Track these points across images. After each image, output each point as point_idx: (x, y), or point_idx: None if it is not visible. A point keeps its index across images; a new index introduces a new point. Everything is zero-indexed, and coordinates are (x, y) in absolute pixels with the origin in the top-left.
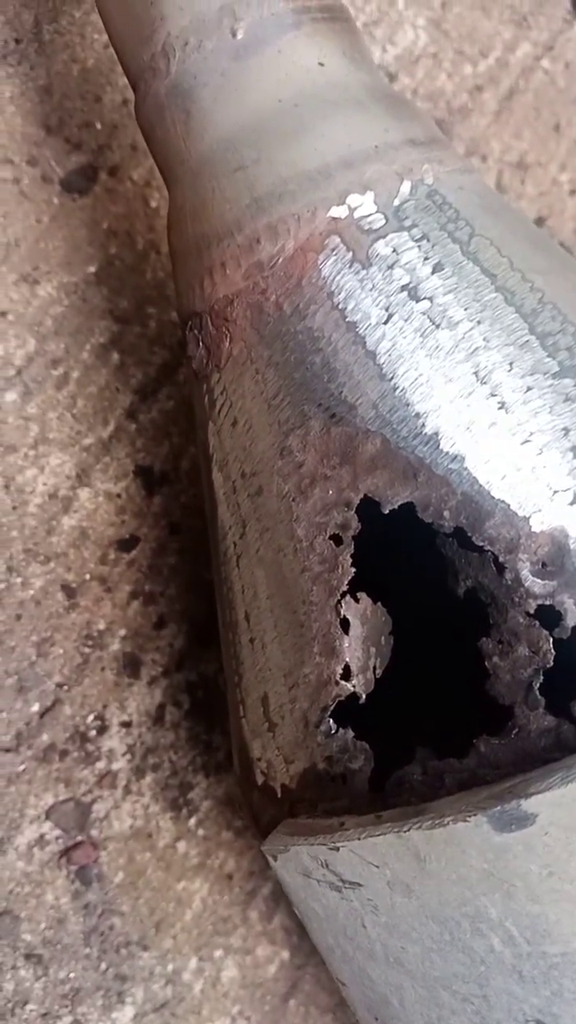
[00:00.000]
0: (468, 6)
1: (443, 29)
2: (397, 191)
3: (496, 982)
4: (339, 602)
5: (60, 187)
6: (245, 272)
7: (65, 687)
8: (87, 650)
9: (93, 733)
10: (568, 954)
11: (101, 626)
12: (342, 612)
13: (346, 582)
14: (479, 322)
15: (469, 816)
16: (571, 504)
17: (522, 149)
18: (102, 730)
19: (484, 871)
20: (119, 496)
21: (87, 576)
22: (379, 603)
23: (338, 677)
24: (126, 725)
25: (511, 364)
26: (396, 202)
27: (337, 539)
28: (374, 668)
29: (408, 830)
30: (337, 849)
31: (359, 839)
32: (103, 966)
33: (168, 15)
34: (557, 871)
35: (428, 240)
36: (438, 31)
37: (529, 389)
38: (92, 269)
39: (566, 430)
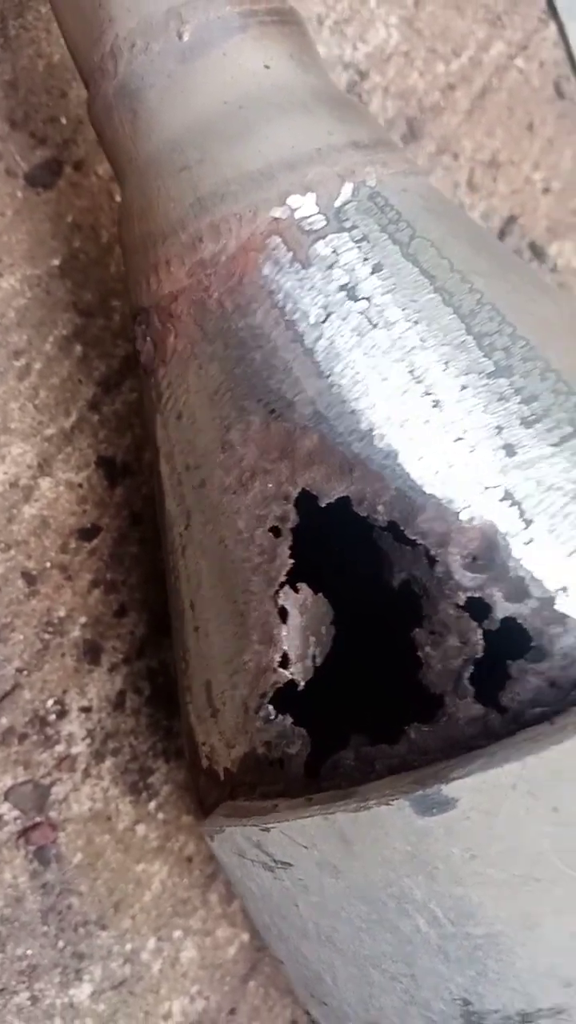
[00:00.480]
0: (442, 5)
1: (416, 28)
2: (338, 193)
3: (423, 961)
4: (277, 592)
5: (24, 181)
6: (189, 270)
7: (25, 672)
8: (47, 636)
9: (53, 717)
10: (491, 935)
11: (62, 613)
12: (280, 602)
13: (284, 573)
14: (416, 322)
15: (392, 800)
16: (501, 500)
17: (494, 147)
18: (62, 714)
19: (408, 853)
20: (80, 486)
21: (48, 564)
22: (320, 594)
23: (276, 665)
24: (86, 710)
25: (447, 363)
26: (337, 203)
27: (276, 531)
28: (313, 657)
29: (334, 813)
30: (268, 830)
31: (288, 821)
32: (61, 944)
33: (116, 17)
34: (479, 854)
35: (368, 241)
36: (410, 29)
37: (464, 388)
38: (56, 262)
39: (499, 428)
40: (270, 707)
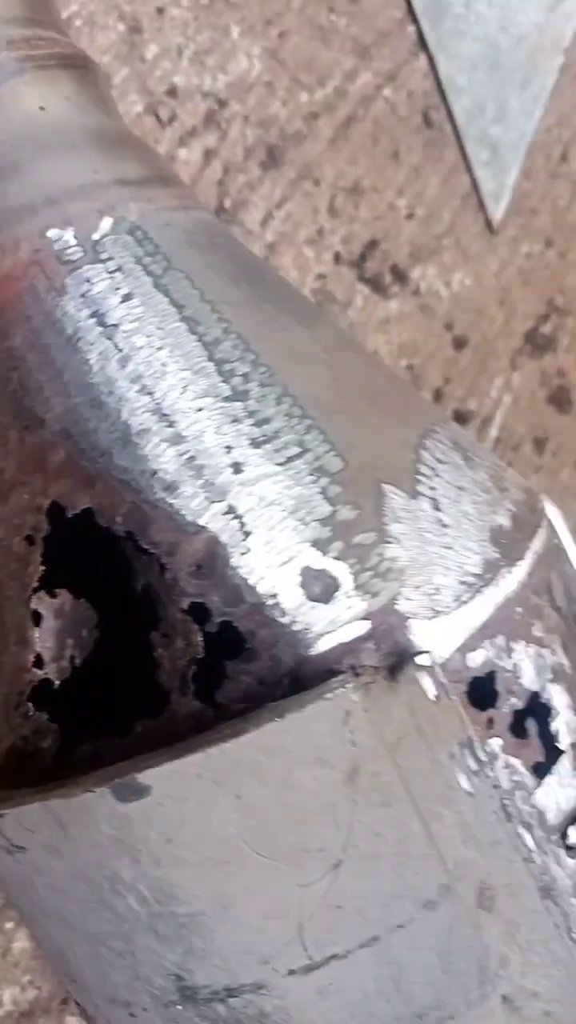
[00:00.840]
0: (307, 36)
1: (279, 58)
2: (97, 226)
3: (139, 939)
4: (30, 597)
5: None
6: None
7: None
8: None
9: None
10: (192, 915)
11: None
12: (34, 606)
13: (36, 579)
14: (160, 348)
15: (95, 787)
16: (225, 514)
17: (357, 175)
18: None
19: (114, 837)
20: None
21: None
22: (82, 600)
23: (30, 665)
24: None
25: (185, 387)
26: (95, 237)
27: (30, 540)
28: (72, 658)
29: (50, 800)
30: (3, 816)
31: (15, 808)
32: None
33: None
34: (173, 838)
35: (121, 272)
36: (274, 60)
37: (199, 410)
38: None
39: (229, 448)
40: (29, 704)
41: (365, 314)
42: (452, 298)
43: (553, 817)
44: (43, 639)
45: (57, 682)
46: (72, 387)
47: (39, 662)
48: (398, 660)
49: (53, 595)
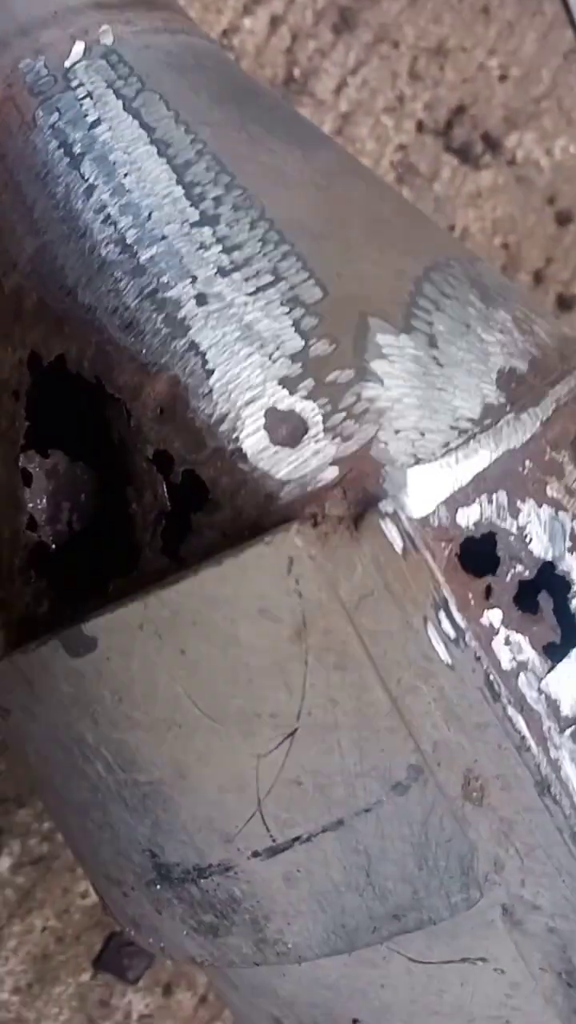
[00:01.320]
0: None
1: None
2: (69, 53)
3: (112, 809)
4: (18, 456)
5: None
6: None
7: None
8: None
9: None
10: (153, 783)
11: None
12: (23, 464)
13: (22, 436)
14: (127, 175)
15: (48, 640)
16: (187, 351)
17: (441, 34)
18: None
19: (72, 695)
20: None
21: None
22: (79, 462)
23: (24, 527)
24: None
25: (150, 214)
26: (67, 64)
27: (16, 395)
28: (69, 521)
29: (14, 656)
30: None
31: None
32: None
33: None
34: (124, 697)
35: (92, 98)
36: None
37: (163, 239)
38: None
39: (193, 278)
40: (30, 570)
41: (453, 187)
42: (554, 168)
43: (570, 708)
44: (34, 499)
45: (53, 546)
46: (41, 224)
47: (32, 524)
48: (363, 509)
49: (45, 455)
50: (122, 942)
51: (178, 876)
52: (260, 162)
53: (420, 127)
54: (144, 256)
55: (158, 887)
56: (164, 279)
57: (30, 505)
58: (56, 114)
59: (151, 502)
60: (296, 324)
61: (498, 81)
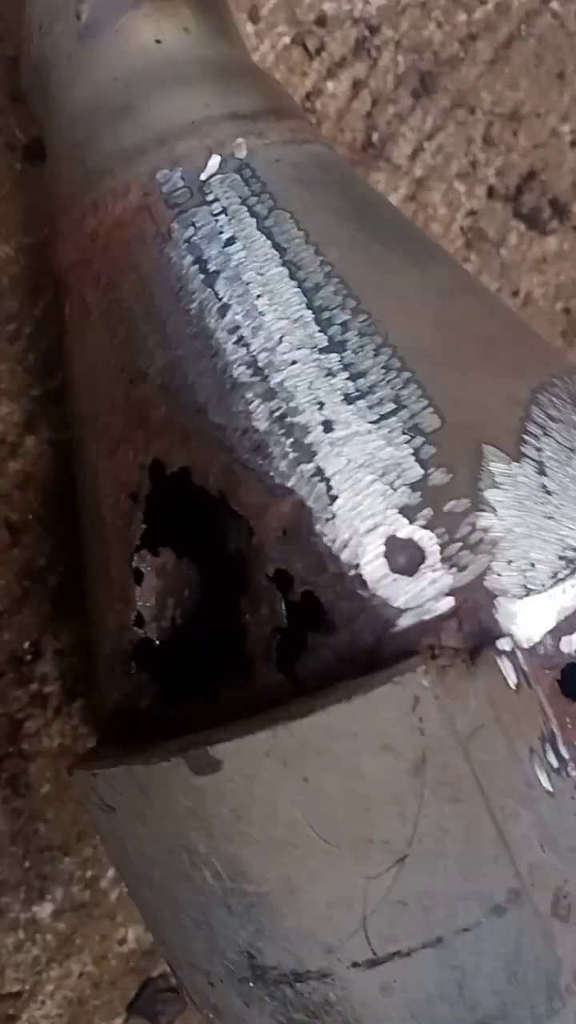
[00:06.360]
0: None
1: None
2: (205, 165)
3: (214, 913)
4: (133, 555)
5: (23, 154)
6: (77, 244)
7: (4, 615)
8: (27, 583)
9: (28, 658)
10: (262, 895)
11: (41, 563)
12: (135, 564)
13: (138, 537)
14: (259, 296)
15: (171, 757)
16: (312, 476)
17: (517, 100)
18: (37, 656)
19: (189, 808)
20: (63, 444)
21: (30, 516)
22: (184, 559)
23: (131, 623)
24: (59, 653)
25: (281, 338)
26: (203, 177)
27: (134, 497)
28: (172, 618)
29: (133, 765)
30: (96, 776)
31: (103, 770)
32: (27, 864)
33: (29, 1)
34: (243, 815)
35: (226, 214)
36: None
37: (293, 363)
38: (49, 231)
39: (321, 404)
40: (131, 663)
41: (519, 253)
42: None
43: None
44: (144, 597)
45: (157, 641)
46: (173, 339)
47: (140, 620)
48: (479, 643)
49: (155, 553)
50: (157, 988)
51: (273, 978)
52: (382, 284)
53: (491, 192)
54: (274, 380)
55: (251, 984)
56: (293, 404)
57: (139, 603)
58: (192, 228)
59: (267, 616)
60: (416, 453)
61: (569, 147)
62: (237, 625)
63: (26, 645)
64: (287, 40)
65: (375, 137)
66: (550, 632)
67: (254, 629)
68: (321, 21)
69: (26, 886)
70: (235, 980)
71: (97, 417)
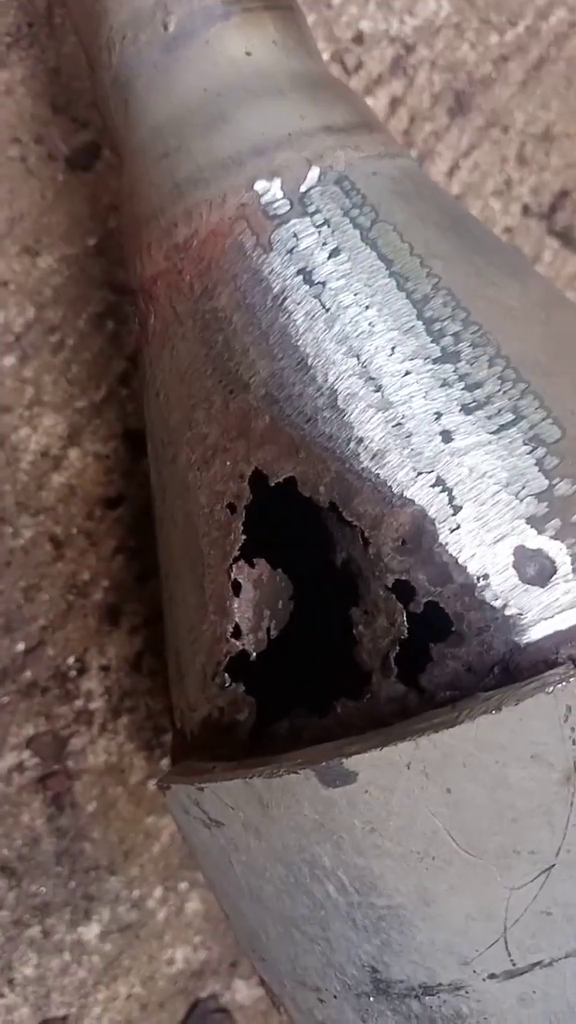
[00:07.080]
0: None
1: None
2: (304, 177)
3: (335, 926)
4: (231, 566)
5: (65, 164)
6: (166, 253)
7: (49, 630)
8: (71, 598)
9: (74, 674)
10: (392, 908)
11: (86, 577)
12: (234, 575)
13: (237, 548)
14: (368, 307)
15: (300, 769)
16: (433, 486)
17: (549, 120)
18: (82, 672)
19: (316, 821)
20: (107, 457)
21: (74, 530)
22: (278, 570)
23: (229, 635)
24: (105, 669)
25: (393, 349)
26: (303, 188)
27: (232, 507)
28: (268, 629)
29: (253, 778)
30: (203, 790)
31: (218, 783)
32: (72, 885)
33: (110, 9)
34: (378, 827)
35: (329, 226)
36: (463, 0)
37: (407, 374)
38: (92, 242)
39: (438, 414)
40: (225, 675)
41: (554, 270)
42: None
43: None
44: (242, 609)
45: (254, 654)
46: (278, 349)
47: (237, 632)
48: None
49: (252, 564)
50: (207, 1009)
51: (399, 991)
52: (487, 296)
53: (525, 210)
54: (388, 390)
55: (371, 999)
56: (409, 414)
57: (237, 614)
58: (294, 239)
59: (384, 628)
60: (539, 463)
61: None
62: (348, 636)
63: (71, 660)
64: (325, 57)
65: (413, 154)
66: None
67: (368, 640)
68: (358, 39)
69: (72, 907)
70: (352, 995)
71: (189, 427)
